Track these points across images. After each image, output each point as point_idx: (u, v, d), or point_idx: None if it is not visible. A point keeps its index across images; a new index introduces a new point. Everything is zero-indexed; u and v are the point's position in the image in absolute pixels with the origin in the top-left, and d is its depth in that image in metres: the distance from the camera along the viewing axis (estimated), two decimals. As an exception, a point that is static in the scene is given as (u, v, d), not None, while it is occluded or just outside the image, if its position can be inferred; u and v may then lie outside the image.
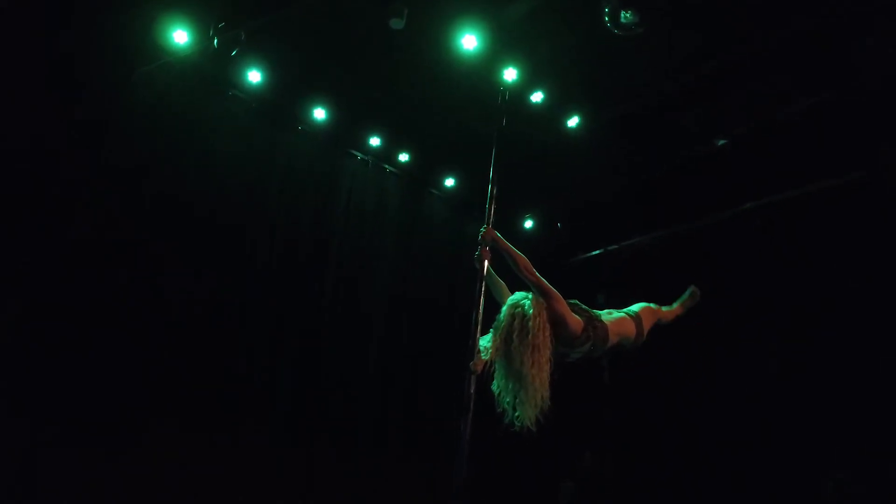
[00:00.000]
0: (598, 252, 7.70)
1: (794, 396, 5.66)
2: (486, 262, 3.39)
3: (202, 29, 5.34)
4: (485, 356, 3.22)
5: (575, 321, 3.37)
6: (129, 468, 4.83)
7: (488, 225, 3.44)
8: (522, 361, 3.14)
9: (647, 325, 3.86)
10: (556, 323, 3.30)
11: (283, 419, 5.86)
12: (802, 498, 5.34)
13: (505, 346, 3.23)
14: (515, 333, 3.20)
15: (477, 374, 3.12)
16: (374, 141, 6.95)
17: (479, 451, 3.38)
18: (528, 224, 8.16)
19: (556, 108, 6.49)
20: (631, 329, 3.74)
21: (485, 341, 3.28)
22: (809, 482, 5.30)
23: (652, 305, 4.04)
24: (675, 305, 4.28)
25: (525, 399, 3.16)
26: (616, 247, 7.55)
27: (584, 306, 3.59)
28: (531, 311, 3.23)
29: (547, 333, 3.22)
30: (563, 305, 3.33)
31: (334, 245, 6.65)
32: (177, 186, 5.56)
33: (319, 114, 6.49)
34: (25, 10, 4.81)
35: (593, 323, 3.47)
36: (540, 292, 3.29)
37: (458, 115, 6.18)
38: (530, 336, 3.16)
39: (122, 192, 5.23)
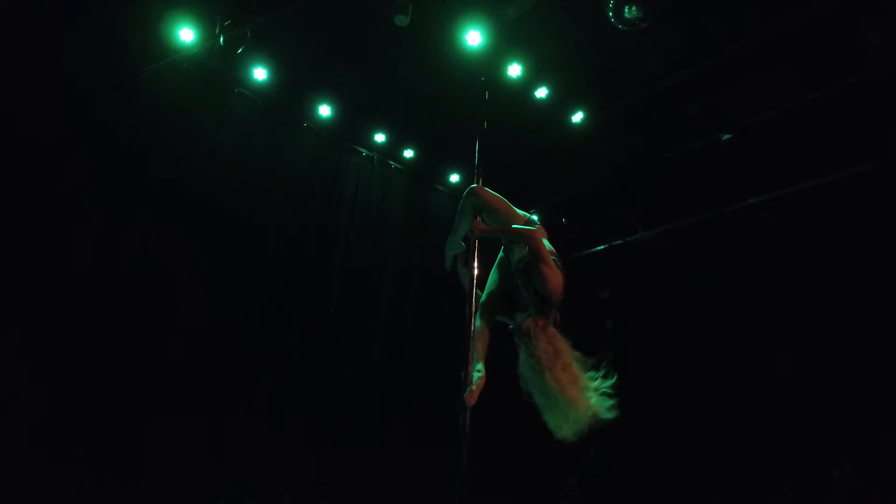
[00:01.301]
0: (602, 247, 7.71)
1: (796, 390, 5.67)
2: (474, 266, 3.32)
3: (208, 27, 5.39)
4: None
5: (557, 278, 3.14)
6: (136, 464, 4.88)
7: (475, 218, 3.46)
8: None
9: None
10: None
11: (287, 412, 5.92)
12: (805, 490, 5.36)
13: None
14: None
15: (470, 406, 2.98)
16: (379, 137, 7.00)
17: (484, 446, 3.36)
18: (533, 219, 8.20)
19: (560, 104, 6.52)
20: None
21: (477, 370, 3.12)
22: (813, 475, 5.31)
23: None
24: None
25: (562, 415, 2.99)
26: (620, 242, 7.55)
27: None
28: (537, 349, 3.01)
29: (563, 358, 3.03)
30: (550, 270, 3.13)
31: (340, 241, 6.71)
32: (183, 184, 5.60)
33: (325, 111, 6.54)
34: (31, 9, 4.86)
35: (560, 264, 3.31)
36: (536, 256, 3.17)
37: (462, 111, 6.19)
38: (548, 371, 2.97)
39: (129, 189, 5.27)
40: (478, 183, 3.60)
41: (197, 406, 5.28)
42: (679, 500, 6.15)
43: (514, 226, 3.43)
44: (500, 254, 3.65)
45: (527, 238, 3.28)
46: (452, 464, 3.03)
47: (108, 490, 4.67)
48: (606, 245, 7.69)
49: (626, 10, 5.11)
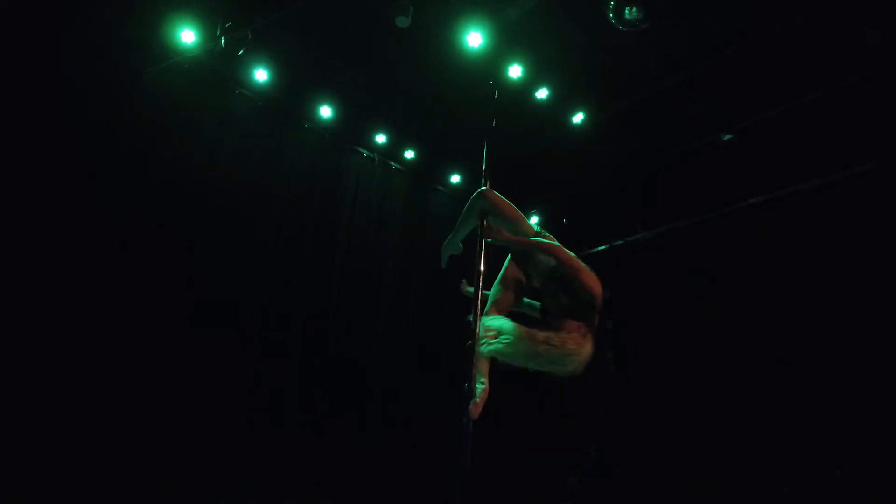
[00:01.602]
0: (602, 247, 7.72)
1: (796, 390, 5.67)
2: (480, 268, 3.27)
3: (209, 28, 5.39)
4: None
5: (598, 283, 3.22)
6: (136, 464, 4.87)
7: (482, 221, 3.40)
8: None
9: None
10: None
11: (287, 412, 5.92)
12: (805, 490, 5.36)
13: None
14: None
15: (474, 418, 2.99)
16: (380, 138, 7.00)
17: (484, 446, 3.33)
18: (534, 220, 8.20)
19: (561, 105, 6.52)
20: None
21: (480, 382, 3.11)
22: (813, 475, 5.31)
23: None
24: None
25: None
26: (620, 242, 7.55)
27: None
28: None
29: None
30: (588, 276, 3.22)
31: (340, 241, 6.71)
32: (183, 184, 5.59)
33: (325, 111, 6.55)
34: (31, 9, 4.86)
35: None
36: (568, 265, 3.23)
37: (463, 111, 6.20)
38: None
39: (129, 189, 5.26)
40: (485, 184, 3.54)
41: (197, 406, 5.28)
42: (679, 500, 6.15)
43: (534, 239, 3.35)
44: (505, 264, 3.60)
45: (552, 251, 3.24)
46: (452, 464, 3.02)
47: (109, 490, 4.66)
48: (607, 245, 7.69)
49: (627, 10, 5.11)
